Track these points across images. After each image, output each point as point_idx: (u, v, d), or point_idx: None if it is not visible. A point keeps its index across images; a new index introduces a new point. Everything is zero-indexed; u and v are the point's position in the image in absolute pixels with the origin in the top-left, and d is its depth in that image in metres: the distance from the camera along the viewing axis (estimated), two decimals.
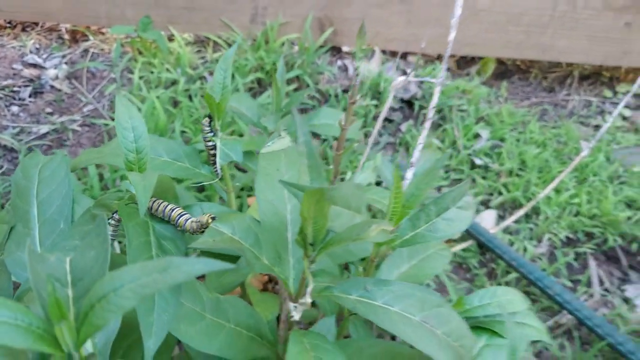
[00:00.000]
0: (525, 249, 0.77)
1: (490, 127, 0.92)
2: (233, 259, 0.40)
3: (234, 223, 0.34)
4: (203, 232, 0.34)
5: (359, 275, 0.43)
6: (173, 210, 0.35)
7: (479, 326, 0.42)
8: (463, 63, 1.02)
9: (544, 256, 0.77)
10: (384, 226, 0.28)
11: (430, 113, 0.50)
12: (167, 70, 0.98)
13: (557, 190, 0.82)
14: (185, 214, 0.35)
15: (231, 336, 0.35)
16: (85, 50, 1.07)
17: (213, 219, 0.34)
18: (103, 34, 1.10)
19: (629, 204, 0.82)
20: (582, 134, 0.93)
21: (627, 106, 0.98)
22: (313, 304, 0.49)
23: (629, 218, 0.79)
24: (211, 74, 0.98)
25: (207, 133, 0.42)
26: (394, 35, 0.94)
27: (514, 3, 0.89)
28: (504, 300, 0.44)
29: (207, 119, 0.42)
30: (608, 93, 0.99)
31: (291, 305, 0.31)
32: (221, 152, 0.43)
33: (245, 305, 0.37)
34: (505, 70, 1.03)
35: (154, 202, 0.36)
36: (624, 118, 0.97)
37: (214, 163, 0.43)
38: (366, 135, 0.89)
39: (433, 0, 0.89)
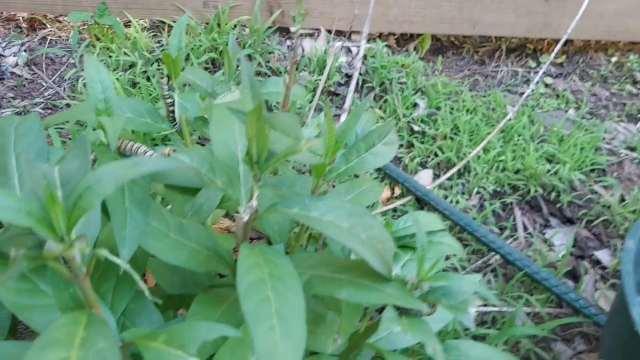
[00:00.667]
0: (457, 202, 0.87)
1: (427, 97, 1.02)
2: (193, 191, 0.47)
3: (192, 154, 0.41)
4: None
5: None
6: (139, 148, 0.43)
7: (404, 245, 0.51)
8: (402, 40, 1.12)
9: (475, 207, 0.88)
10: (313, 141, 0.36)
11: (358, 64, 0.59)
12: (125, 53, 1.04)
13: (486, 150, 0.93)
14: (149, 150, 0.42)
15: (193, 253, 0.42)
16: (44, 38, 1.12)
17: (174, 151, 0.41)
18: (60, 21, 1.14)
19: (549, 159, 0.93)
20: (510, 101, 1.04)
21: (549, 74, 1.10)
22: (269, 242, 0.57)
23: (548, 171, 0.91)
24: None
25: (166, 91, 0.49)
26: (338, 15, 1.03)
27: None
28: (424, 222, 0.53)
29: (165, 78, 0.49)
30: (532, 63, 1.11)
31: (240, 208, 0.39)
32: (179, 105, 0.51)
33: (205, 230, 0.44)
34: (441, 46, 1.13)
35: (122, 142, 0.43)
36: (547, 85, 1.09)
37: (173, 119, 0.51)
38: (317, 108, 0.97)
39: None
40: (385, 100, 0.99)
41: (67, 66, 1.03)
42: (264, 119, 0.35)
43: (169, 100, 0.49)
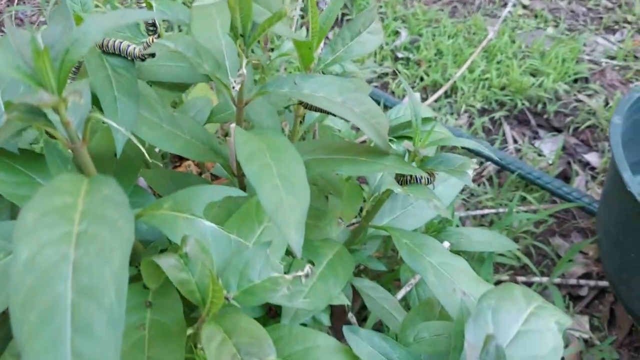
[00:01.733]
0: (446, 121, 0.92)
1: (408, 25, 1.06)
2: (182, 87, 0.50)
3: (176, 40, 0.41)
4: (151, 54, 0.44)
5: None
6: (122, 42, 0.45)
7: (399, 136, 0.55)
8: None
9: (464, 126, 0.93)
10: (295, 3, 0.39)
11: None
12: (97, 6, 1.05)
13: (471, 70, 0.98)
14: (132, 44, 0.43)
15: (188, 144, 0.44)
16: None
17: (158, 37, 0.44)
18: None
19: (533, 74, 0.99)
20: (490, 24, 1.09)
21: None
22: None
23: (532, 84, 0.96)
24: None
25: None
26: None
27: None
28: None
29: None
30: None
31: (231, 79, 0.42)
32: (157, 11, 0.52)
33: (198, 124, 0.47)
34: None
35: (104, 39, 0.45)
36: (525, 7, 1.14)
37: (154, 26, 0.52)
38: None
39: None
40: None
41: (38, 25, 1.04)
42: None
43: (143, 5, 0.50)
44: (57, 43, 0.33)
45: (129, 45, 0.45)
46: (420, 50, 1.01)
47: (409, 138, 0.56)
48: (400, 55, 1.00)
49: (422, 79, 0.97)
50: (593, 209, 0.74)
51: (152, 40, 0.43)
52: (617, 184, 0.57)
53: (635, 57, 1.00)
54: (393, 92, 0.96)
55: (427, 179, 0.46)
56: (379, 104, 0.93)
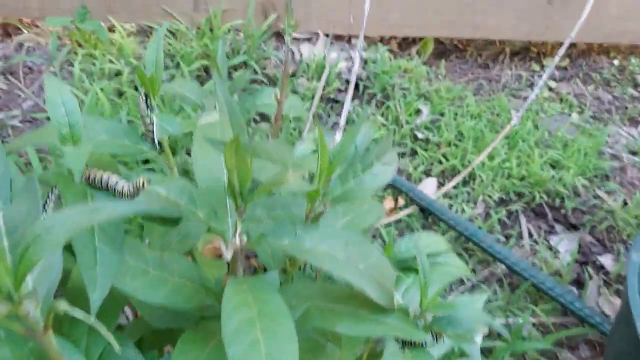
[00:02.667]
0: (463, 211, 0.96)
1: (430, 102, 1.10)
2: (174, 221, 0.48)
3: (168, 185, 0.40)
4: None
5: None
6: (109, 178, 0.43)
7: (407, 267, 0.58)
8: (405, 44, 1.20)
9: (480, 216, 0.96)
10: (299, 172, 0.41)
11: (353, 77, 0.66)
12: (110, 61, 1.09)
13: (491, 157, 1.02)
14: (121, 181, 0.43)
15: (176, 287, 0.43)
16: (20, 44, 1.17)
17: (148, 181, 0.42)
18: (38, 26, 1.19)
19: (553, 165, 1.03)
20: (514, 105, 1.13)
21: (553, 78, 1.20)
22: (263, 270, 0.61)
23: (552, 177, 1.00)
24: None
25: (144, 111, 0.50)
26: (336, 19, 1.10)
27: None
28: (427, 243, 0.60)
29: (143, 95, 0.49)
30: (536, 67, 1.21)
31: (222, 245, 0.41)
32: (158, 126, 0.50)
33: (189, 261, 0.45)
34: (444, 50, 1.22)
35: (91, 171, 0.43)
36: (550, 89, 1.19)
37: (154, 140, 0.51)
38: (315, 116, 1.05)
39: None
40: (388, 107, 1.07)
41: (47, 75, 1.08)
42: (245, 149, 0.37)
43: (147, 120, 0.49)
44: (20, 227, 0.33)
45: (117, 182, 0.43)
46: (441, 131, 1.05)
47: (417, 271, 0.59)
48: (420, 135, 1.04)
49: (440, 162, 1.01)
50: (604, 330, 0.78)
51: (144, 183, 0.43)
52: (629, 324, 0.60)
53: None
54: (410, 175, 1.00)
55: (434, 337, 0.47)
56: (394, 187, 0.97)
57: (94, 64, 1.09)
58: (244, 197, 0.41)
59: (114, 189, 0.43)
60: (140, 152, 0.51)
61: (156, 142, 0.50)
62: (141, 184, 0.42)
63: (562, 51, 1.08)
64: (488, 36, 1.15)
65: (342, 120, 0.69)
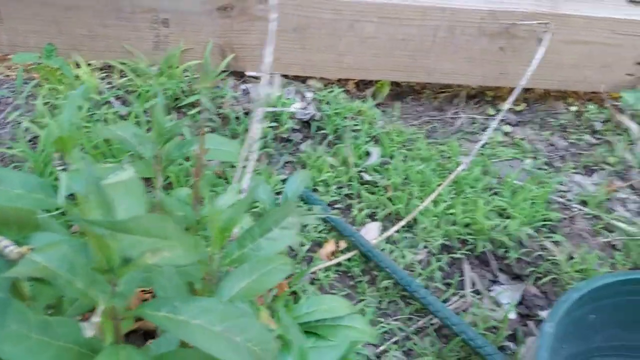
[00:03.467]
0: (404, 257, 0.91)
1: (381, 145, 1.07)
2: None
3: (49, 253, 0.39)
4: None
5: (200, 293, 0.54)
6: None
7: (307, 330, 0.54)
8: (362, 85, 1.17)
9: (422, 262, 0.92)
10: (162, 252, 0.38)
11: (254, 128, 0.63)
12: None
13: (436, 202, 0.97)
14: (10, 245, 0.41)
15: (60, 352, 0.41)
16: None
17: (32, 249, 0.40)
18: (8, 59, 1.19)
19: (500, 213, 0.98)
20: (466, 149, 1.09)
21: (508, 123, 1.16)
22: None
23: (497, 225, 0.95)
24: (117, 98, 1.09)
25: (58, 167, 0.48)
26: (291, 61, 1.08)
27: (398, 30, 1.04)
28: (329, 306, 0.56)
29: (58, 153, 0.48)
30: (492, 111, 1.17)
31: (83, 324, 0.38)
32: (64, 183, 0.48)
33: (78, 324, 0.42)
34: (400, 92, 1.19)
35: None
36: (506, 134, 1.14)
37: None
38: (265, 157, 1.02)
39: (322, 30, 1.04)
40: (338, 148, 1.04)
41: (12, 107, 1.07)
42: (115, 225, 0.36)
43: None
44: None
45: (5, 247, 0.42)
46: (389, 174, 1.01)
47: (317, 335, 0.55)
48: (367, 177, 1.01)
49: (385, 206, 0.97)
50: None
51: (26, 252, 0.41)
52: None
53: (608, 208, 0.99)
54: (354, 218, 0.96)
55: None
56: (336, 230, 0.93)
57: (57, 98, 1.08)
58: (115, 272, 0.39)
59: (2, 253, 0.42)
60: (53, 206, 0.50)
61: (61, 198, 0.49)
62: (25, 252, 0.40)
63: (511, 99, 1.05)
64: (442, 80, 1.11)
65: (245, 183, 0.66)
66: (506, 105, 1.05)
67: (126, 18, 1.04)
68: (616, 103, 1.14)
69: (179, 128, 0.79)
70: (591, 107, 1.16)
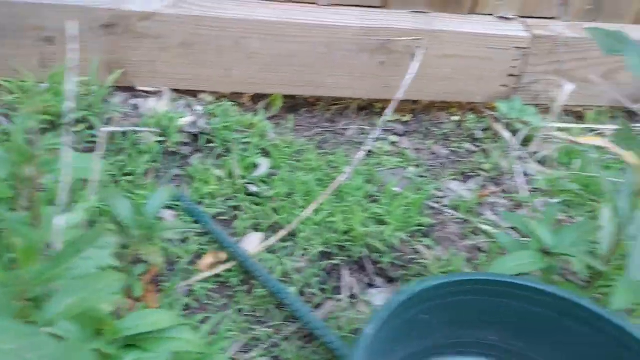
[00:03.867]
0: (283, 265, 0.93)
1: (270, 156, 1.09)
2: None
3: None
4: None
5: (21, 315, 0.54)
6: None
7: (131, 344, 0.56)
8: (256, 98, 1.20)
9: (301, 270, 0.94)
10: None
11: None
12: None
13: (317, 211, 1.00)
14: None
15: None
16: None
17: None
18: None
19: (377, 219, 1.02)
20: (354, 160, 1.12)
21: (395, 133, 1.20)
22: None
23: (374, 231, 0.99)
24: (4, 116, 1.07)
25: None
26: (180, 76, 1.09)
27: (282, 47, 1.07)
28: (155, 320, 0.58)
29: None
30: (379, 122, 1.21)
31: None
32: None
33: None
34: (295, 105, 1.22)
35: None
36: (393, 143, 1.19)
37: None
38: (153, 171, 1.02)
39: (208, 46, 1.05)
40: (226, 161, 1.05)
41: None
42: None
43: None
44: None
45: None
46: (275, 185, 1.03)
47: (140, 348, 0.56)
48: (253, 189, 1.02)
49: (269, 217, 0.99)
50: None
51: None
52: None
53: (478, 212, 1.04)
54: (237, 229, 0.97)
55: None
56: (217, 242, 0.95)
57: None
58: None
59: None
60: None
61: None
62: None
63: (389, 112, 1.09)
64: (328, 94, 1.15)
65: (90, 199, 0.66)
66: (383, 118, 1.09)
67: (11, 36, 1.03)
68: (493, 113, 1.21)
69: (40, 147, 0.79)
70: (471, 117, 1.22)
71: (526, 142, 1.17)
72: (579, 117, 1.26)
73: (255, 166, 1.06)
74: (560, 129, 1.16)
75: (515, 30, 1.11)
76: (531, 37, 1.11)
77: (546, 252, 0.76)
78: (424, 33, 1.08)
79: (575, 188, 1.07)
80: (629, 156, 0.67)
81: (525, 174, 1.10)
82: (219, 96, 1.15)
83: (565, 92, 1.10)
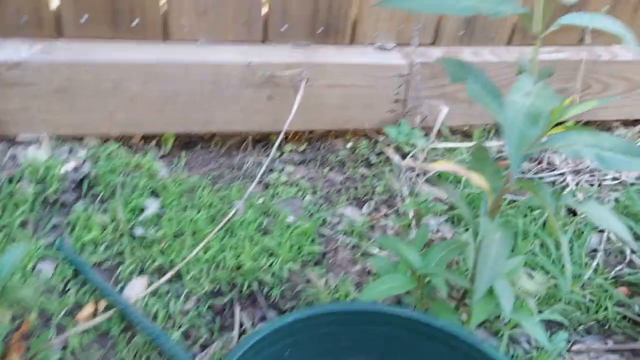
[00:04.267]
0: (168, 308, 0.90)
1: (159, 197, 1.06)
2: None
3: None
4: None
5: None
6: None
7: None
8: (147, 138, 1.17)
9: (190, 311, 0.91)
10: None
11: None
12: None
13: (207, 249, 0.98)
14: None
15: None
16: None
17: None
18: None
19: (268, 252, 1.00)
20: (250, 193, 1.11)
21: (292, 163, 1.20)
22: None
23: (264, 264, 0.97)
24: None
25: None
26: (60, 122, 1.05)
27: (165, 87, 1.06)
28: None
29: None
30: (276, 153, 1.21)
31: None
32: None
33: None
34: (190, 141, 1.20)
35: None
36: (289, 174, 1.19)
37: None
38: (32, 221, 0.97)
39: (86, 91, 1.03)
40: (112, 205, 1.01)
41: None
42: None
43: None
44: None
45: None
46: (163, 227, 1.00)
47: None
48: (139, 232, 0.99)
49: (155, 260, 0.96)
50: None
51: None
52: None
53: (369, 236, 1.05)
54: (119, 275, 0.93)
55: None
56: (98, 291, 0.90)
57: None
58: None
59: None
60: None
61: None
62: None
63: (277, 142, 1.10)
64: (220, 130, 1.14)
65: None
66: (273, 149, 1.10)
67: None
68: (384, 137, 1.23)
69: None
70: (365, 142, 1.24)
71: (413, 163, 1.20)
72: (467, 135, 1.31)
73: (142, 209, 1.03)
74: (447, 149, 1.20)
75: (395, 58, 1.15)
76: (410, 64, 1.15)
77: (415, 274, 0.77)
78: (307, 65, 1.09)
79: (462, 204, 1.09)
80: (476, 179, 0.69)
81: (412, 194, 1.13)
82: (105, 139, 1.11)
83: (442, 114, 1.14)
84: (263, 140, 1.22)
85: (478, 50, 1.22)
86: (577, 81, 1.25)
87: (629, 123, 1.40)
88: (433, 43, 1.20)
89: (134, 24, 1.02)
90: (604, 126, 1.40)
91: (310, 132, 1.24)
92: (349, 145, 1.24)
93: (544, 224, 1.10)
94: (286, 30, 1.10)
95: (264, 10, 1.08)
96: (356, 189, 1.16)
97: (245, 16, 1.06)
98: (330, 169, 1.20)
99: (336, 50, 1.14)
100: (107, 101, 1.04)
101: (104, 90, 1.03)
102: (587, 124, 1.37)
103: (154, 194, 1.06)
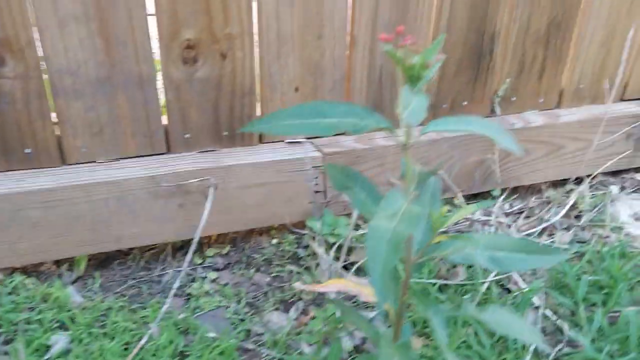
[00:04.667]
0: None
1: (68, 330, 0.98)
2: None
3: None
4: None
5: None
6: None
7: None
8: (58, 262, 1.10)
9: None
10: None
11: None
12: None
13: None
14: None
15: None
16: None
17: None
18: None
19: None
20: (172, 307, 1.04)
21: (215, 268, 1.15)
22: None
23: None
24: None
25: None
26: None
27: (69, 210, 1.00)
28: None
29: None
30: (198, 259, 1.15)
31: None
32: None
33: None
34: (105, 259, 1.14)
35: None
36: (213, 280, 1.12)
37: None
38: None
39: None
40: (13, 348, 0.93)
41: None
42: None
43: None
44: None
45: None
46: None
47: None
48: None
49: None
50: None
51: None
52: None
53: (294, 347, 0.98)
54: None
55: None
56: None
57: None
58: None
59: None
60: None
61: None
62: None
63: (190, 252, 1.05)
64: (133, 244, 1.09)
65: None
66: (188, 256, 1.04)
67: None
68: (308, 230, 1.19)
69: None
70: (290, 237, 1.19)
71: (339, 254, 1.14)
72: None
73: (48, 346, 0.95)
74: None
75: (307, 151, 1.13)
76: (323, 156, 1.13)
77: None
78: (216, 170, 1.06)
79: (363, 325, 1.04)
80: (368, 295, 0.65)
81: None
82: (11, 271, 1.04)
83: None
84: (185, 247, 1.17)
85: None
86: (494, 152, 1.24)
87: (557, 183, 1.40)
88: (343, 132, 1.19)
89: (27, 152, 0.99)
90: (534, 189, 1.39)
91: (235, 232, 1.20)
92: (274, 241, 1.20)
93: (478, 303, 1.05)
94: (190, 138, 1.08)
95: (164, 121, 1.06)
96: (283, 291, 1.10)
97: (143, 129, 1.04)
98: (257, 270, 1.14)
99: (246, 152, 1.11)
100: (6, 232, 0.98)
101: (1, 222, 0.97)
102: (515, 189, 1.36)
103: (63, 327, 0.98)
